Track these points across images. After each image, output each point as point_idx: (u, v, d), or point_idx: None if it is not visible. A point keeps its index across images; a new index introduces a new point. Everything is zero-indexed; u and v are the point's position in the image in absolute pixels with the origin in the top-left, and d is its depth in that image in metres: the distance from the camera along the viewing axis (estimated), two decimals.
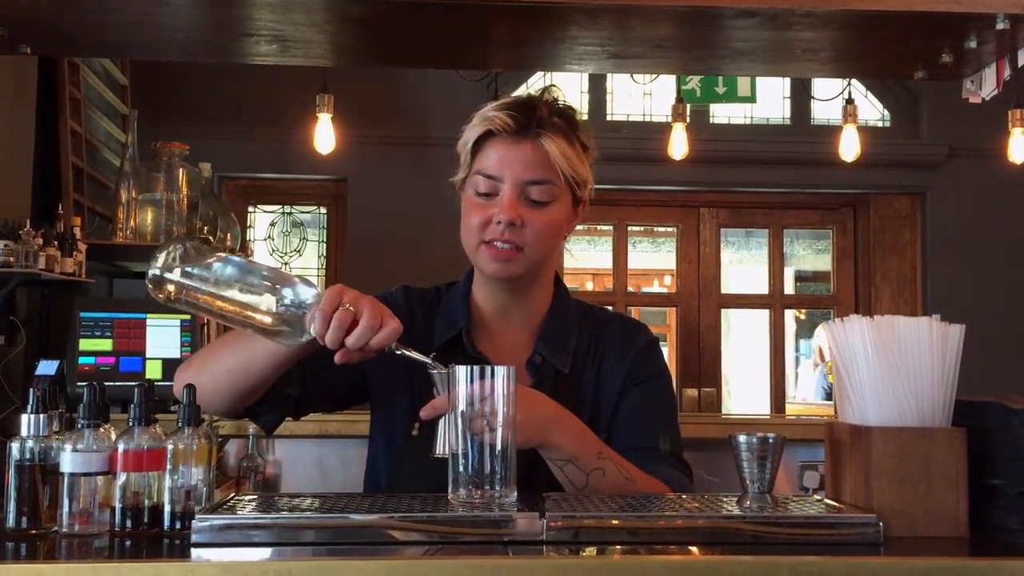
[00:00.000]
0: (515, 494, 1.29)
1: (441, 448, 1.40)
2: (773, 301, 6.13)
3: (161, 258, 1.42)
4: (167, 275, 1.42)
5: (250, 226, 5.94)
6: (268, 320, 1.40)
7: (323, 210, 6.01)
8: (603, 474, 1.47)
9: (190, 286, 1.41)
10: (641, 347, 1.68)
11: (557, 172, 1.55)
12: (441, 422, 1.41)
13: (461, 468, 1.29)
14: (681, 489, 1.55)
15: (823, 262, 6.68)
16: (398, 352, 1.41)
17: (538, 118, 1.56)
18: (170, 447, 1.29)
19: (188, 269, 1.42)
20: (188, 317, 3.56)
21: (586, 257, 7.61)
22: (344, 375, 1.59)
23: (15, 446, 1.31)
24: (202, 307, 1.43)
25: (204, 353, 1.66)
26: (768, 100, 5.98)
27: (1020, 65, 2.10)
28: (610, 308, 1.83)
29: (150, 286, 1.42)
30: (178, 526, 1.26)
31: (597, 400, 1.64)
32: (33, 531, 1.28)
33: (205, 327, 3.89)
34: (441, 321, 1.67)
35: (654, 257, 7.87)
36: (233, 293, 1.41)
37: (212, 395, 1.51)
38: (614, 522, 1.25)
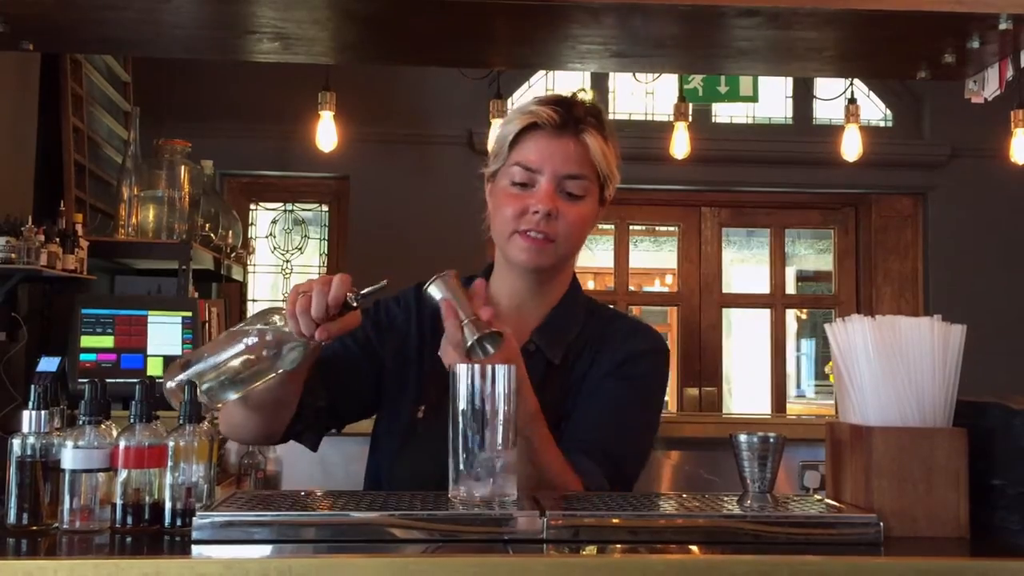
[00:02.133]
0: (515, 492, 1.29)
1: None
2: (774, 301, 6.13)
3: (169, 374, 1.49)
4: (171, 383, 1.46)
5: (252, 224, 5.94)
6: (267, 354, 1.44)
7: (325, 208, 6.01)
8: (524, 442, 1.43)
9: (195, 372, 1.46)
10: (641, 349, 1.67)
11: (594, 168, 1.60)
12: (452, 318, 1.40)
13: (461, 466, 1.29)
14: (590, 486, 1.51)
15: (824, 262, 6.68)
16: (361, 297, 1.42)
17: (577, 116, 1.60)
18: (171, 444, 1.29)
19: (190, 363, 1.48)
20: (189, 314, 3.56)
21: (587, 256, 7.61)
22: (362, 373, 1.65)
23: (16, 442, 1.31)
24: (216, 387, 1.47)
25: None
26: (770, 99, 5.97)
27: (1022, 65, 2.10)
28: (621, 311, 1.81)
29: (170, 399, 1.46)
30: (179, 523, 1.27)
31: (586, 384, 1.64)
32: (34, 527, 1.29)
33: (206, 324, 3.90)
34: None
35: (655, 256, 7.87)
36: (229, 357, 1.45)
37: (247, 426, 1.59)
38: (614, 521, 1.25)
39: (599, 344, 1.67)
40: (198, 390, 1.41)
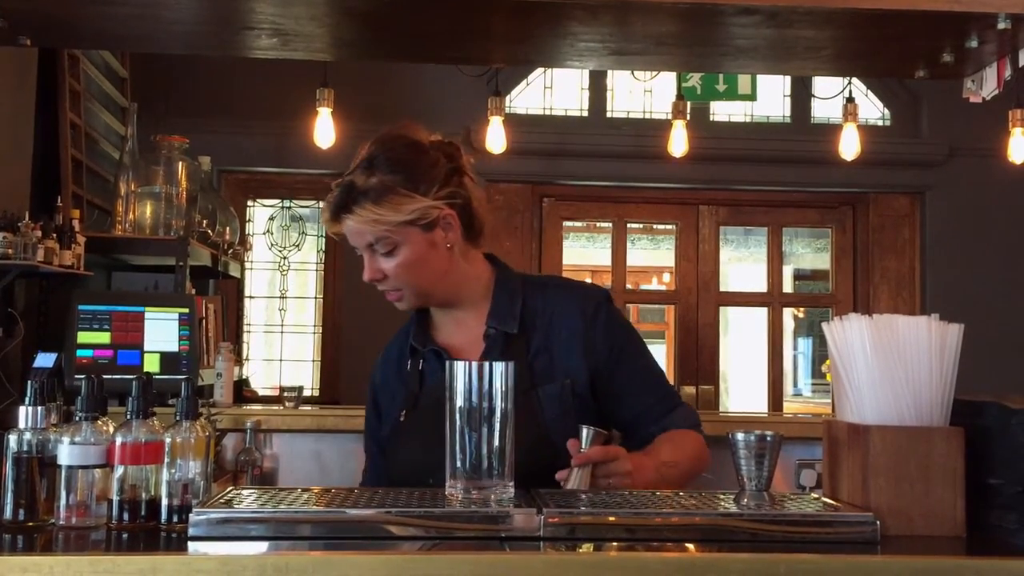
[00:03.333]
0: (512, 490, 1.29)
1: (572, 483, 1.54)
2: (772, 299, 6.13)
3: None
4: None
5: (249, 220, 5.93)
6: None
7: (322, 205, 5.99)
8: (673, 470, 1.71)
9: None
10: (591, 314, 1.81)
11: (382, 228, 1.73)
12: (575, 472, 1.55)
13: (459, 463, 1.29)
14: (696, 425, 1.82)
15: (822, 260, 6.68)
16: None
17: (348, 201, 1.75)
18: (168, 440, 1.29)
19: None
20: (186, 310, 3.55)
21: (585, 254, 7.61)
22: (380, 422, 1.89)
23: (13, 438, 1.31)
24: None
25: None
26: (768, 98, 5.97)
27: (1021, 65, 2.10)
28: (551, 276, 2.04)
29: None
30: (175, 519, 1.26)
31: (551, 356, 1.79)
32: (30, 523, 1.28)
33: (203, 321, 3.89)
34: (404, 336, 1.90)
35: (653, 254, 7.87)
36: None
37: None
38: (611, 519, 1.25)
39: (548, 314, 1.82)
40: None
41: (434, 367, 1.80)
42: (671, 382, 2.01)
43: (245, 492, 1.36)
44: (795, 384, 8.45)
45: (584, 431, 1.58)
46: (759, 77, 5.45)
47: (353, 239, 1.77)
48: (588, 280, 7.72)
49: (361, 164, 1.78)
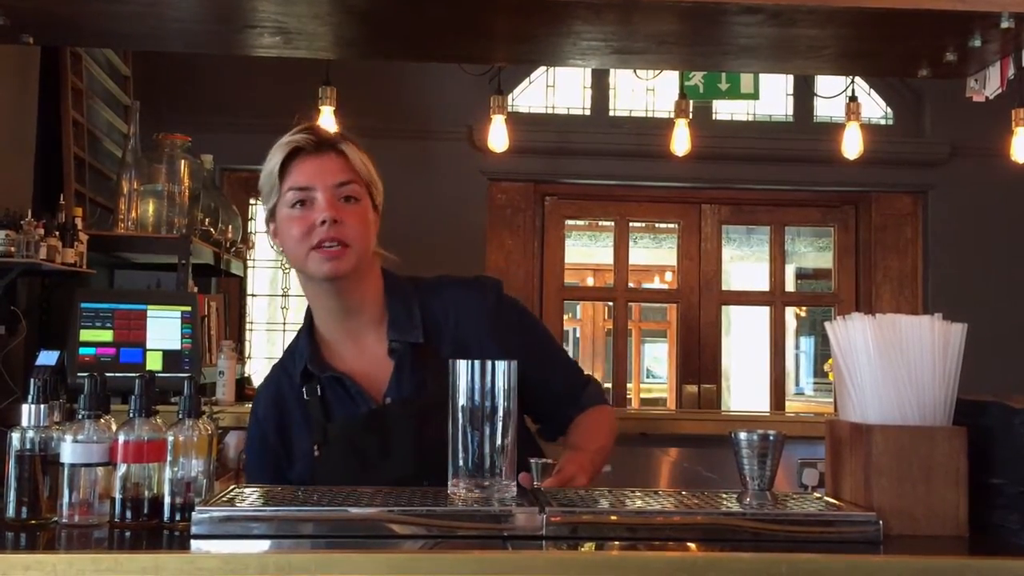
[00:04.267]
0: (515, 489, 1.29)
1: None
2: (774, 298, 6.13)
3: None
4: None
5: (251, 218, 5.92)
6: None
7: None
8: (601, 455, 1.74)
9: None
10: (490, 308, 1.80)
11: (358, 174, 1.74)
12: None
13: (461, 462, 1.29)
14: (605, 401, 1.88)
15: (824, 259, 6.68)
16: None
17: (332, 136, 1.77)
18: (170, 439, 1.29)
19: None
20: (188, 308, 3.56)
21: (587, 252, 7.61)
22: (287, 464, 1.77)
23: (15, 436, 1.31)
24: None
25: None
26: (771, 97, 5.96)
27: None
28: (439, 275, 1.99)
29: None
30: (178, 518, 1.26)
31: (466, 351, 1.69)
32: (33, 521, 1.29)
33: (206, 319, 3.89)
34: (292, 363, 1.80)
35: (655, 253, 7.87)
36: None
37: None
38: (613, 518, 1.25)
39: (453, 316, 1.78)
40: None
41: (339, 395, 1.72)
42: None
43: (247, 490, 1.36)
44: (797, 383, 8.45)
45: (534, 466, 1.49)
46: (762, 76, 5.44)
47: (326, 171, 1.71)
48: (590, 280, 7.72)
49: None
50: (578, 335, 8.29)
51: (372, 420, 1.69)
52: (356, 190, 1.73)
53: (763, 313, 6.19)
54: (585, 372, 1.91)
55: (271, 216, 1.76)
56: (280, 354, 1.91)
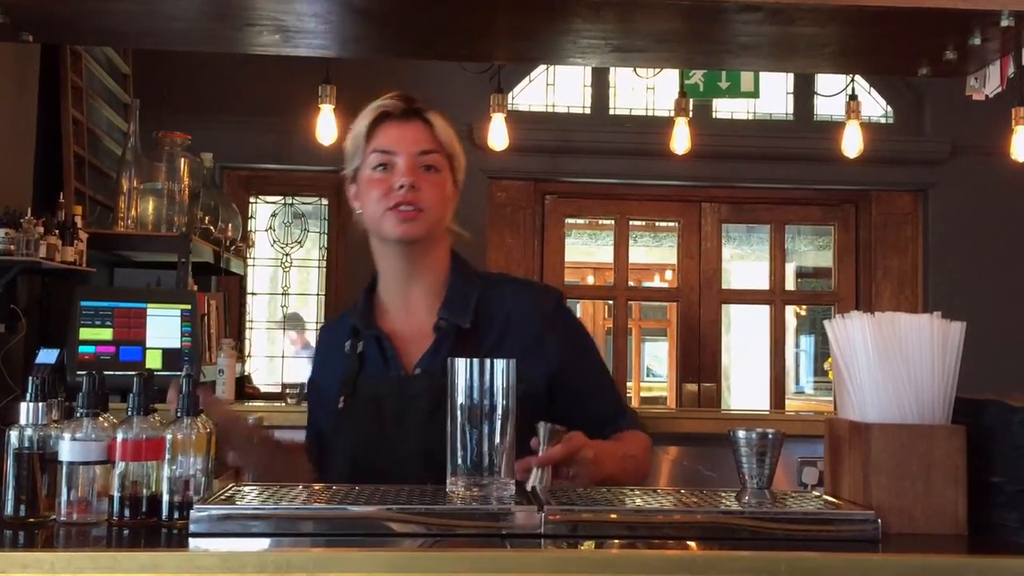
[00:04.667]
0: (514, 487, 1.29)
1: (532, 482, 1.46)
2: (774, 297, 6.12)
3: None
4: None
5: (251, 217, 5.93)
6: None
7: (325, 201, 6.00)
8: (632, 463, 1.72)
9: None
10: (547, 313, 1.80)
11: (441, 145, 1.77)
12: (534, 471, 1.48)
13: (459, 460, 1.29)
14: (643, 431, 1.83)
15: (824, 258, 6.68)
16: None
17: (421, 105, 1.79)
18: (169, 437, 1.29)
19: None
20: (188, 307, 3.56)
21: (587, 251, 7.61)
22: (322, 413, 1.84)
23: (14, 434, 1.31)
24: None
25: None
26: (771, 95, 5.96)
27: None
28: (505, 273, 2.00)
29: None
30: (176, 516, 1.26)
31: (505, 348, 1.74)
32: (31, 519, 1.28)
33: (205, 317, 3.89)
34: (348, 315, 1.86)
35: (655, 252, 7.87)
36: None
37: None
38: (612, 516, 1.25)
39: (505, 311, 1.79)
40: None
41: (374, 355, 1.77)
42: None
43: (246, 488, 1.36)
44: (797, 382, 8.45)
45: (542, 429, 1.51)
46: (762, 74, 5.44)
47: (410, 138, 1.75)
48: (590, 279, 7.72)
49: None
50: None
51: (396, 386, 1.72)
52: (437, 160, 1.75)
53: (763, 312, 6.19)
54: (625, 401, 1.90)
55: (353, 178, 1.81)
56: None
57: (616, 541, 1.22)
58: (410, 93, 1.81)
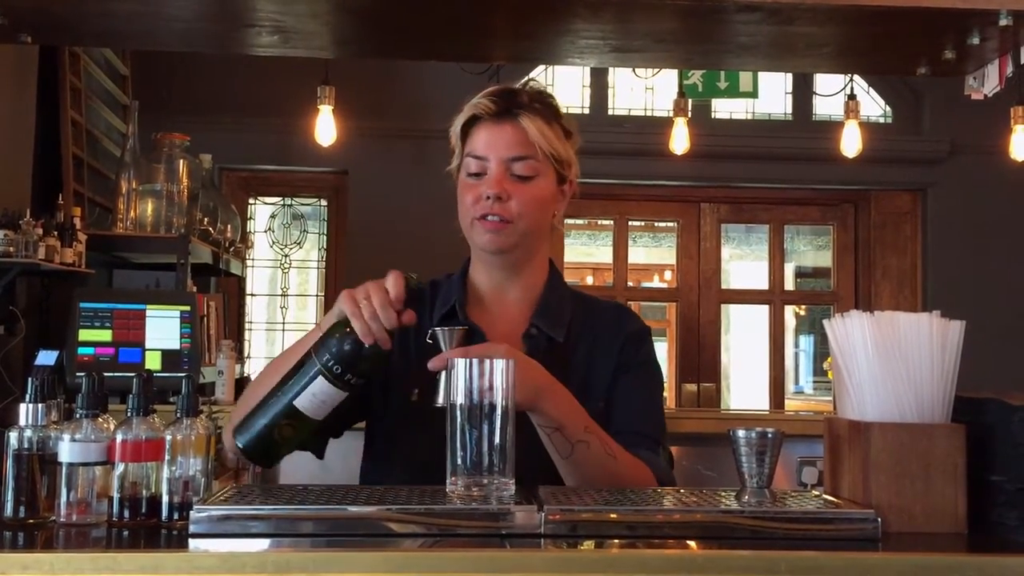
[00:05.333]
0: (513, 487, 1.29)
1: (443, 399, 1.40)
2: (773, 297, 6.13)
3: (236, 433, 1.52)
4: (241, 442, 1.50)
5: (250, 218, 5.93)
6: (341, 378, 1.45)
7: (324, 202, 6.00)
8: (587, 447, 1.52)
9: (266, 426, 1.48)
10: (633, 332, 1.74)
11: (537, 149, 1.66)
12: (443, 373, 1.42)
13: (459, 460, 1.29)
14: (659, 472, 1.61)
15: (823, 258, 6.68)
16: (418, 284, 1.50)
17: (517, 102, 1.67)
18: (168, 437, 1.29)
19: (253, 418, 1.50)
20: (187, 308, 3.56)
21: (586, 251, 7.61)
22: (380, 387, 1.68)
23: (13, 435, 1.31)
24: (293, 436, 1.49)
25: (248, 392, 1.70)
26: (770, 95, 5.97)
27: (1022, 62, 2.09)
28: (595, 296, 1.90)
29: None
30: (176, 516, 1.26)
31: (588, 376, 1.69)
32: (31, 520, 1.28)
33: (205, 319, 3.89)
34: (440, 300, 1.75)
35: (654, 252, 7.87)
36: (307, 399, 1.46)
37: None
38: (612, 516, 1.25)
39: (593, 332, 1.73)
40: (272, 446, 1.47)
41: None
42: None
43: (246, 489, 1.36)
44: (797, 382, 8.45)
45: (440, 333, 1.46)
46: (761, 74, 5.44)
47: (501, 143, 1.65)
48: (589, 279, 7.72)
49: (526, 87, 1.71)
50: None
51: None
52: (531, 167, 1.65)
53: (762, 312, 6.19)
54: (661, 447, 1.69)
55: (456, 171, 1.73)
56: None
57: (616, 541, 1.22)
58: (512, 86, 1.71)
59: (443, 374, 1.42)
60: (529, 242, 1.70)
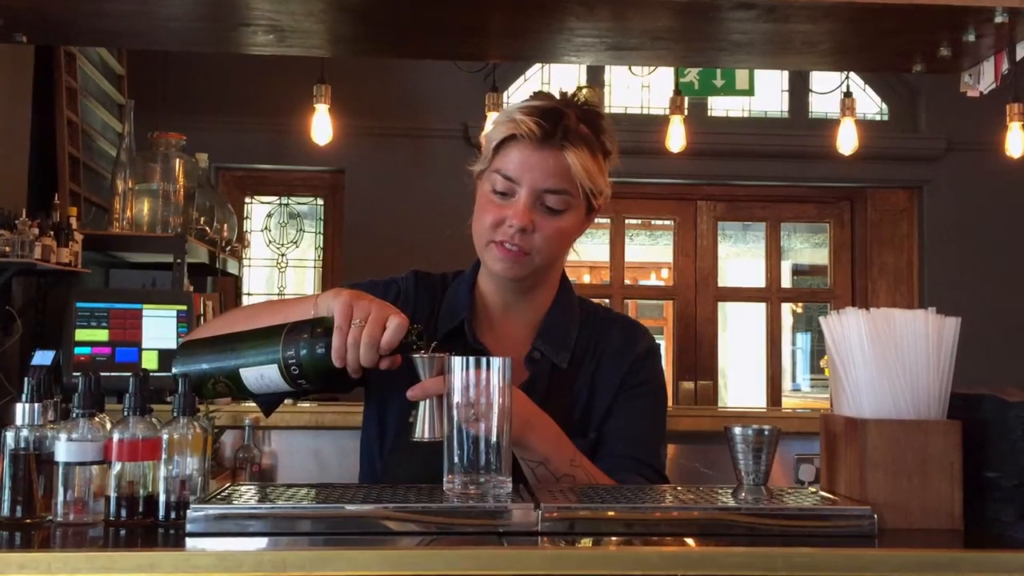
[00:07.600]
0: (510, 485, 1.29)
1: (419, 432, 1.39)
2: (770, 294, 6.13)
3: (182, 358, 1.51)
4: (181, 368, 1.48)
5: (247, 217, 5.93)
6: (294, 377, 1.44)
7: (320, 201, 6.00)
8: (573, 480, 1.49)
9: (215, 369, 1.48)
10: (640, 352, 1.68)
11: (576, 184, 1.55)
12: (422, 405, 1.39)
13: (456, 459, 1.29)
14: None
15: (820, 255, 6.69)
16: (416, 341, 1.41)
17: (564, 127, 1.54)
18: (165, 437, 1.29)
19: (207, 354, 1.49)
20: (184, 307, 3.55)
21: (583, 250, 7.58)
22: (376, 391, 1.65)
23: (10, 435, 1.31)
24: (227, 390, 1.48)
25: (219, 321, 1.64)
26: (766, 93, 5.97)
27: (1018, 59, 2.10)
28: (610, 308, 1.84)
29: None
30: (173, 516, 1.26)
31: (591, 399, 1.64)
32: (27, 520, 1.28)
33: (201, 318, 3.89)
34: (446, 310, 1.67)
35: (651, 250, 7.87)
36: (253, 369, 1.45)
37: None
38: (609, 513, 1.25)
39: (599, 352, 1.66)
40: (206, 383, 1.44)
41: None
42: (668, 377, 1.91)
43: (243, 488, 1.36)
44: (793, 379, 8.46)
45: (418, 360, 1.38)
46: (757, 72, 5.44)
47: (538, 172, 1.52)
48: (586, 278, 7.72)
49: (576, 104, 1.59)
50: None
51: None
52: (564, 201, 1.55)
53: (759, 309, 6.20)
54: (657, 475, 1.62)
55: (480, 175, 1.62)
56: None
57: (613, 538, 1.22)
58: (559, 105, 1.56)
59: (421, 406, 1.39)
60: (543, 272, 1.63)
